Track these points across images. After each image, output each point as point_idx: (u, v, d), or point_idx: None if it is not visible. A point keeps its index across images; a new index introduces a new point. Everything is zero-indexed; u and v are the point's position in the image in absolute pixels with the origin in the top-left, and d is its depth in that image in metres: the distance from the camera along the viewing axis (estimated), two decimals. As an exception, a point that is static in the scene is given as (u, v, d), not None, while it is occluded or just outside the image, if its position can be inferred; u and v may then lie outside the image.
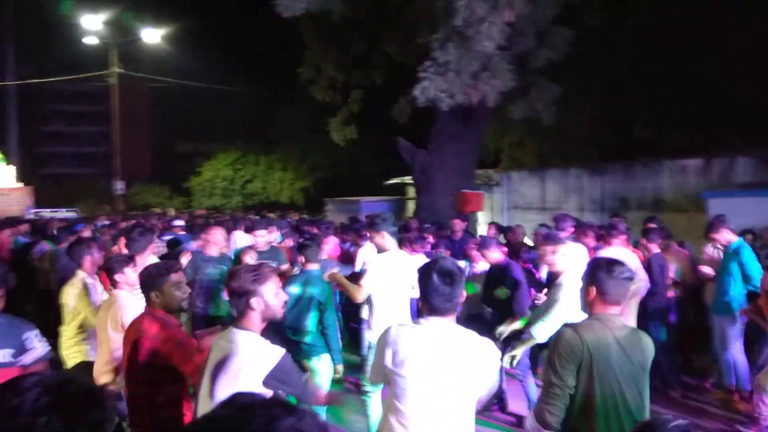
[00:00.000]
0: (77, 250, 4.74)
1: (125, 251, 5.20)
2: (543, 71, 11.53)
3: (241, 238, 7.97)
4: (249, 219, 11.78)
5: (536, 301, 5.29)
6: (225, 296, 3.62)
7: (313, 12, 11.14)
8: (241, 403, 1.05)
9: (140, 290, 3.11)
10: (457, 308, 2.53)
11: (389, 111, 14.10)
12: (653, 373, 2.70)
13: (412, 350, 2.46)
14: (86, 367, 4.04)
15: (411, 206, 16.56)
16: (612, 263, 2.66)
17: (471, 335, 2.52)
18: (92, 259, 4.70)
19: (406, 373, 2.45)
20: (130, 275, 3.88)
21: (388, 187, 20.54)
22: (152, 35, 26.18)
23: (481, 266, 6.34)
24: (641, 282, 5.60)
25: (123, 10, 27.41)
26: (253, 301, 2.50)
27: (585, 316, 2.73)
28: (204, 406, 2.45)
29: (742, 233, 6.37)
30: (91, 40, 26.31)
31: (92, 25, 25.48)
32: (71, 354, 4.40)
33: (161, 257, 6.17)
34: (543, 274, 6.30)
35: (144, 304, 3.11)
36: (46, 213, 21.10)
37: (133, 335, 2.97)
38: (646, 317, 5.84)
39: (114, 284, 3.91)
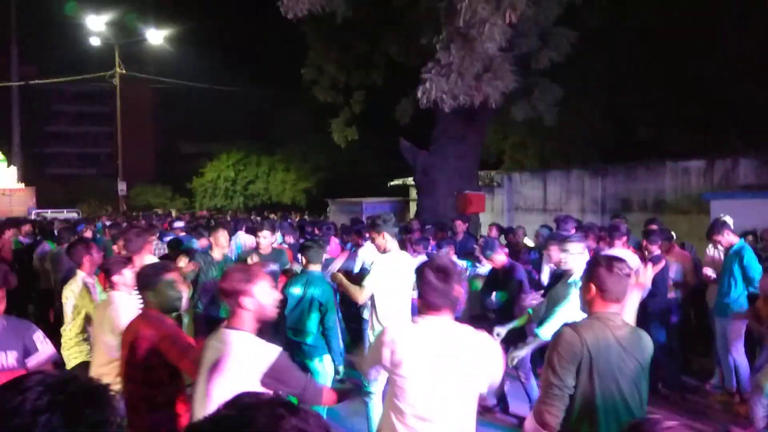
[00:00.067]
0: (76, 251, 4.76)
1: (125, 252, 5.21)
2: (545, 72, 11.53)
3: (242, 239, 7.98)
4: (250, 220, 11.78)
5: (533, 302, 5.25)
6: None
7: (316, 13, 11.13)
8: (244, 403, 1.05)
9: (137, 291, 3.12)
10: (455, 305, 2.53)
11: (391, 112, 14.09)
12: (653, 374, 2.69)
13: (411, 350, 2.46)
14: (88, 367, 4.03)
15: (414, 207, 16.55)
16: (611, 259, 2.64)
17: (470, 333, 2.51)
18: (91, 259, 4.71)
19: (406, 372, 2.45)
20: (128, 276, 3.88)
21: (391, 188, 20.53)
22: (155, 36, 26.26)
23: (486, 267, 6.31)
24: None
25: (126, 11, 27.52)
26: (245, 301, 2.50)
27: (585, 315, 2.72)
28: (200, 406, 2.45)
29: (743, 235, 6.38)
30: (94, 41, 26.40)
31: (95, 26, 25.57)
32: (72, 354, 4.41)
33: (161, 258, 6.17)
34: (544, 276, 6.30)
35: (141, 304, 3.12)
36: (48, 213, 21.13)
37: (130, 337, 2.99)
38: (646, 318, 5.81)
39: (111, 285, 3.91)
